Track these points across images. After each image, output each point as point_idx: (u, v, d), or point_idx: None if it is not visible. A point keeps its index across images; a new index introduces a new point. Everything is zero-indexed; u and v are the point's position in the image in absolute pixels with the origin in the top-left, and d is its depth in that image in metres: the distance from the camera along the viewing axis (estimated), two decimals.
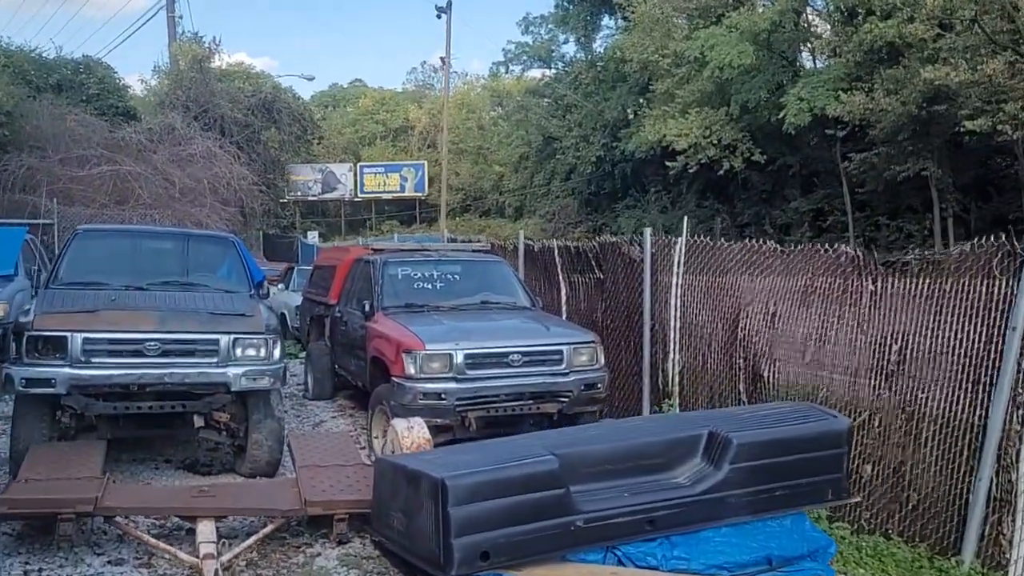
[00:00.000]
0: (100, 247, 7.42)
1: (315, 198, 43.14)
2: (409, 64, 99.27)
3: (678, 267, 7.26)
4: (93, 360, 5.75)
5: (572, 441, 4.65)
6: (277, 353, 6.31)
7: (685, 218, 7.82)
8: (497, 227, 38.50)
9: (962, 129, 14.58)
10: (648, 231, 7.60)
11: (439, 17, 28.99)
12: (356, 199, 44.37)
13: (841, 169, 19.96)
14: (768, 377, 6.20)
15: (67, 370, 5.67)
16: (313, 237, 33.35)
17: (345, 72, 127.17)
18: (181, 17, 25.72)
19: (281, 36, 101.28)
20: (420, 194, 44.60)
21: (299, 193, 40.86)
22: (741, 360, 6.51)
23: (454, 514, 3.91)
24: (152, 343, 5.86)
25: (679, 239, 7.27)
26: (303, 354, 10.97)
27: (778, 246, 6.39)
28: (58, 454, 5.42)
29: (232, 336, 6.11)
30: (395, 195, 44.77)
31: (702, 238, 7.19)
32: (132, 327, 5.90)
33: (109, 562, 4.80)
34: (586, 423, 7.23)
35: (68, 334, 5.71)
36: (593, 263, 8.64)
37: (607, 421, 6.73)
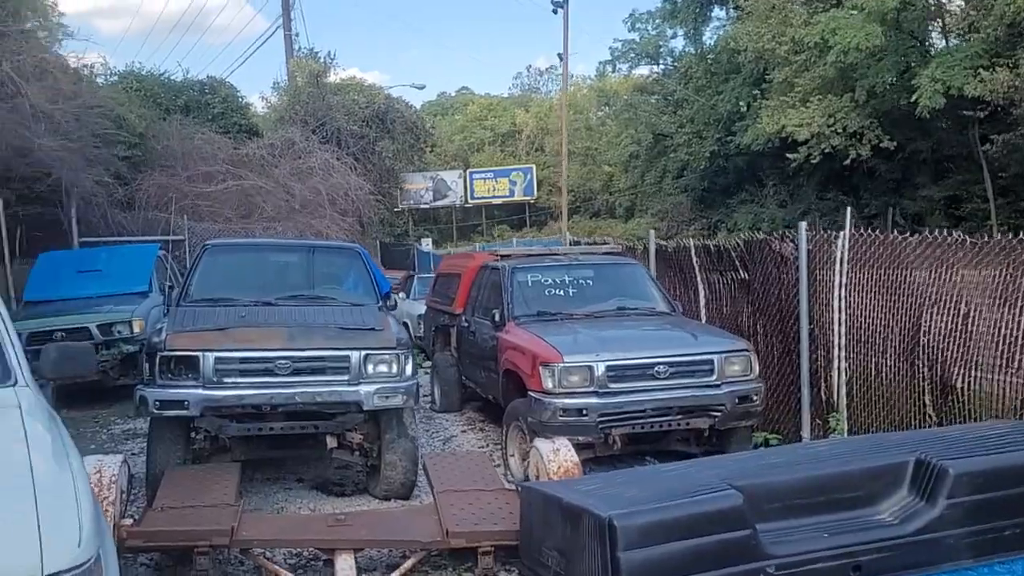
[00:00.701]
0: (228, 262, 7.29)
1: (427, 206, 43.59)
2: (515, 69, 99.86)
3: (841, 264, 6.52)
4: (225, 380, 5.54)
5: (751, 470, 4.05)
6: (409, 369, 5.97)
7: (848, 209, 7.07)
8: (608, 228, 37.91)
9: None
10: (803, 225, 6.88)
11: (555, 12, 28.70)
12: (467, 205, 44.62)
13: (980, 153, 18.40)
14: (962, 388, 5.40)
15: (200, 391, 5.48)
16: (427, 244, 33.65)
17: (452, 81, 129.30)
18: (297, 35, 26.38)
19: (389, 50, 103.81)
20: (529, 197, 44.46)
21: (411, 201, 41.38)
22: (925, 368, 5.72)
23: (625, 559, 3.39)
24: (283, 361, 5.61)
25: (841, 232, 6.53)
26: (427, 364, 10.71)
27: (967, 238, 5.58)
28: (193, 479, 5.21)
29: (363, 352, 5.80)
30: (505, 200, 44.79)
31: (864, 231, 6.43)
32: (262, 345, 5.67)
33: None
34: (739, 440, 6.64)
35: (200, 354, 5.52)
36: (737, 262, 7.96)
37: (790, 445, 6.06)
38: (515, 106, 55.09)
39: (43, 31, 16.01)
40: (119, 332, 9.20)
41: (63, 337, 8.46)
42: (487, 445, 7.96)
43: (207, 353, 5.54)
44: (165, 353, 5.54)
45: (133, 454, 7.17)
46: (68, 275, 10.02)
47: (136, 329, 9.24)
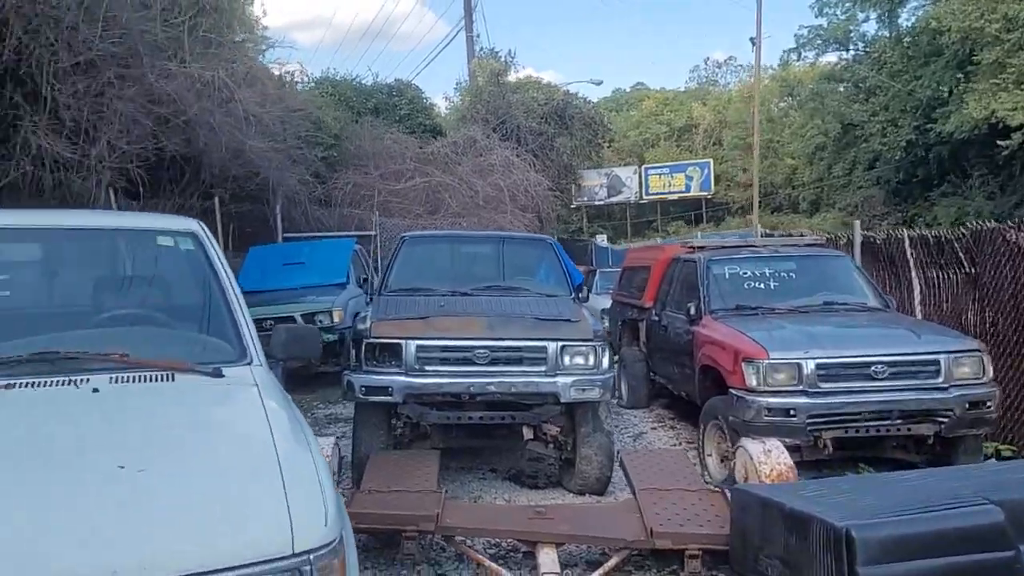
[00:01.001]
0: (425, 252, 7.44)
1: (601, 202, 43.43)
2: (691, 63, 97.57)
3: None
4: (426, 368, 5.63)
5: (1008, 483, 3.59)
6: (606, 361, 5.83)
7: None
8: (791, 223, 36.18)
9: None
10: None
11: None
12: (641, 201, 44.06)
13: None
14: None
15: (403, 378, 5.59)
16: (602, 240, 33.49)
17: (627, 76, 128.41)
18: (478, 36, 26.96)
19: (564, 49, 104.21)
20: (706, 193, 43.28)
21: (586, 198, 41.37)
22: None
23: None
24: (482, 350, 5.63)
25: None
26: (614, 359, 10.55)
27: None
28: (396, 464, 5.32)
29: (560, 343, 5.71)
30: (680, 195, 43.81)
31: None
32: (462, 334, 5.71)
33: None
34: (968, 450, 6.00)
35: (402, 341, 5.63)
36: (961, 254, 7.23)
37: None
38: (692, 100, 53.79)
39: (250, 43, 17.20)
40: (320, 321, 9.62)
41: (272, 325, 8.96)
42: (679, 443, 7.69)
43: (409, 341, 5.64)
44: (370, 340, 5.70)
45: (336, 438, 7.48)
46: (275, 267, 10.67)
47: (336, 319, 9.65)
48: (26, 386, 2.65)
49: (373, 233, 14.24)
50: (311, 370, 9.66)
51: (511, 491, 6.20)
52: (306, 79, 19.89)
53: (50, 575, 1.75)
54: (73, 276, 3.63)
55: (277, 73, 15.41)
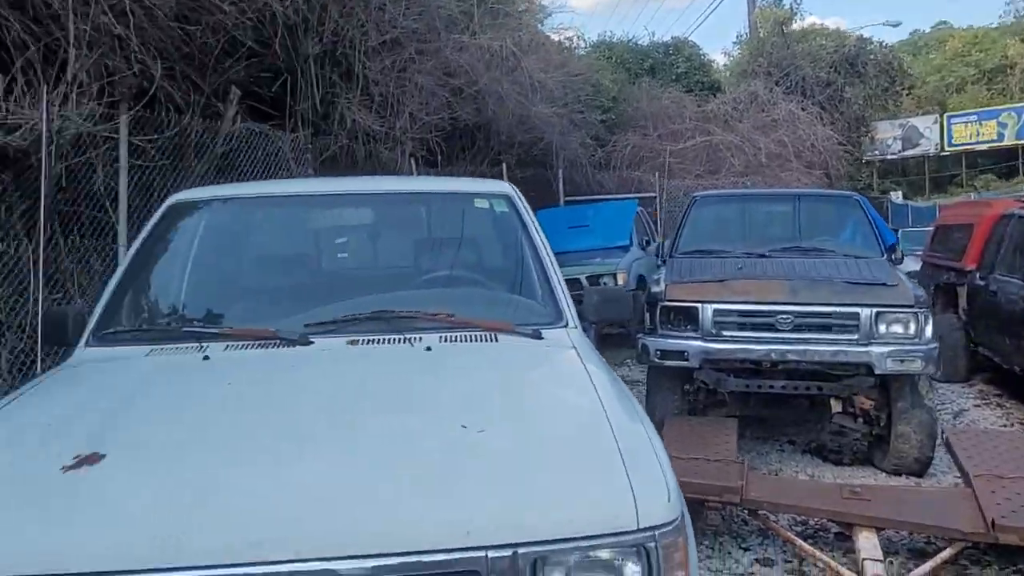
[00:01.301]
0: (716, 213, 7.16)
1: (895, 156, 39.53)
2: None
3: None
4: (724, 333, 5.40)
5: None
6: (929, 331, 5.24)
7: None
8: None
9: None
10: None
11: None
12: (942, 153, 39.49)
13: None
14: None
15: (699, 343, 5.41)
16: (897, 197, 30.62)
17: (926, 16, 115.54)
18: None
19: None
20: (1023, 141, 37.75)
21: (877, 152, 37.90)
22: None
23: None
24: (785, 316, 5.29)
25: None
26: None
27: None
28: (693, 431, 5.15)
29: (875, 309, 5.22)
30: (991, 145, 38.62)
31: None
32: (762, 298, 5.40)
33: (757, 560, 4.34)
34: None
35: (699, 305, 5.45)
36: None
37: None
38: (1007, 36, 47.06)
39: (530, 12, 17.65)
40: (605, 283, 9.64)
41: None
42: (1011, 423, 6.78)
43: (706, 305, 5.45)
44: (665, 303, 5.58)
45: None
46: (561, 230, 10.83)
47: (620, 281, 9.61)
48: (367, 343, 2.77)
49: (654, 195, 14.07)
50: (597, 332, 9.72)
51: (813, 466, 5.81)
52: (583, 44, 20.06)
53: (397, 524, 1.73)
54: (398, 238, 3.83)
55: (557, 39, 15.65)
